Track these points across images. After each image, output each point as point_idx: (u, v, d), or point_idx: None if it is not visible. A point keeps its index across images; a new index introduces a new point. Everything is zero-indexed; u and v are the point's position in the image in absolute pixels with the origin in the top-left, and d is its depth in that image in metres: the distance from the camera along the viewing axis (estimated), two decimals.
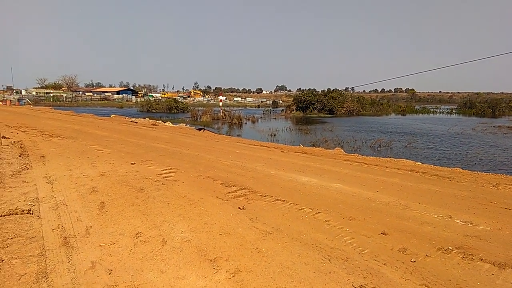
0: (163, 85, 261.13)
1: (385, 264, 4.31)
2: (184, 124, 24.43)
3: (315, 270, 4.14)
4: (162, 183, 7.51)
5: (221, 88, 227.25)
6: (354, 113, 62.72)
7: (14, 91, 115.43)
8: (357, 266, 4.24)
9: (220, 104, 43.31)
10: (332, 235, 5.12)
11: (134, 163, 9.29)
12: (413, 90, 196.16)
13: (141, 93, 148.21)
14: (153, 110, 69.45)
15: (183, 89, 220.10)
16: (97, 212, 5.92)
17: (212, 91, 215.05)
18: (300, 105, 63.50)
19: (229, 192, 7.01)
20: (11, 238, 5.03)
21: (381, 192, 7.32)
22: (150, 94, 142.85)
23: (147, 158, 10.04)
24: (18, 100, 72.65)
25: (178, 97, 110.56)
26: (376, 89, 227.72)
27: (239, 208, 6.07)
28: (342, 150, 13.08)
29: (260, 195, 6.82)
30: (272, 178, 8.23)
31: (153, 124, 22.48)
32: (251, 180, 7.94)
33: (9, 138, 13.51)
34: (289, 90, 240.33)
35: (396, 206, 6.44)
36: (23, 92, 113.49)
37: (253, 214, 5.82)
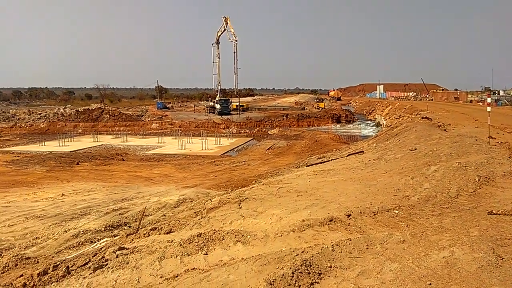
0: None
1: None
2: None
3: None
4: None
5: None
6: None
7: (492, 92, 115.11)
8: None
9: None
10: None
11: None
12: None
13: None
14: None
15: None
16: None
17: None
18: None
19: None
20: (508, 239, 5.01)
21: None
22: None
23: None
24: (496, 101, 72.15)
25: None
26: None
27: None
28: None
29: None
30: None
31: None
32: None
33: (495, 139, 13.64)
34: None
35: None
36: (501, 93, 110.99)
37: None
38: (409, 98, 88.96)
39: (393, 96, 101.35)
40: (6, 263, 7.48)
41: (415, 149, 11.70)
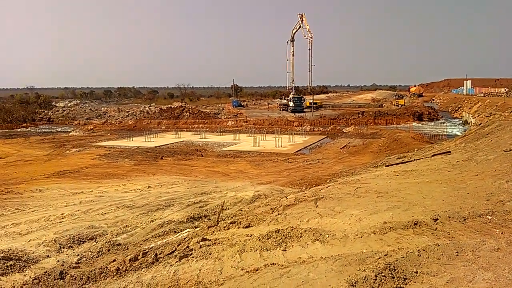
0: None
1: None
2: None
3: None
4: None
5: None
6: None
7: None
8: None
9: None
10: None
11: None
12: None
13: None
14: None
15: None
16: None
17: None
18: None
19: None
20: None
21: None
22: None
23: None
24: None
25: None
26: None
27: None
28: None
29: None
30: None
31: None
32: None
33: None
34: None
35: None
36: None
37: None
38: (500, 94, 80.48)
39: (482, 92, 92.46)
40: (100, 248, 8.28)
41: (510, 150, 10.61)
